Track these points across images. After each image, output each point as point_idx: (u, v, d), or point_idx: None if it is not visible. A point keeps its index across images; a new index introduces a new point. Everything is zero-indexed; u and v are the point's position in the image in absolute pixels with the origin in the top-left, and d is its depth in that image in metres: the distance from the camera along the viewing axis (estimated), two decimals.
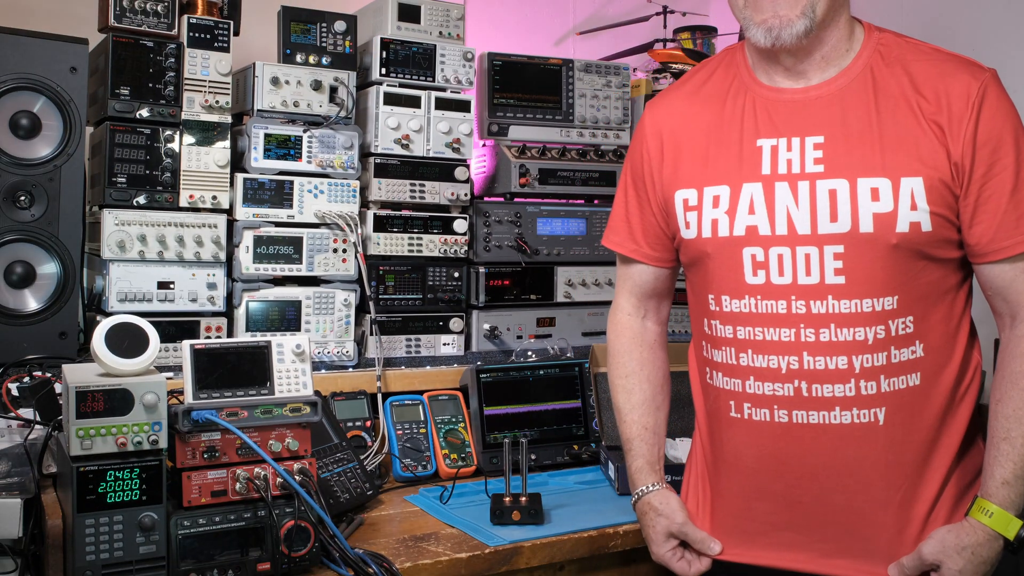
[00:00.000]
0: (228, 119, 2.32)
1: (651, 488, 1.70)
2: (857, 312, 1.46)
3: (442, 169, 2.55)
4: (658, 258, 1.73)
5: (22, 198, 2.11)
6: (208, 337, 2.28)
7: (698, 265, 1.61)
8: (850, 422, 1.48)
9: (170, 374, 1.96)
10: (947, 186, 1.43)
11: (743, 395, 1.55)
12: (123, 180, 2.21)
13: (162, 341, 1.71)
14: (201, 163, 2.28)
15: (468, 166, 2.59)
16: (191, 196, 2.27)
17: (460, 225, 2.56)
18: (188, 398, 1.59)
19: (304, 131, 2.38)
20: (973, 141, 1.42)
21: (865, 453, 1.49)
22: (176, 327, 2.24)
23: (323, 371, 2.35)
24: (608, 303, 2.76)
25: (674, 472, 2.10)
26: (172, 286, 2.25)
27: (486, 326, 2.61)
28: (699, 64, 1.74)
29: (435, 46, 2.53)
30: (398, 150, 2.50)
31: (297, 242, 2.36)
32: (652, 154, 1.66)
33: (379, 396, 2.31)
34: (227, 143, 2.32)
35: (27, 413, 1.87)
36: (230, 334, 2.32)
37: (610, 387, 1.81)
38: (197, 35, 2.27)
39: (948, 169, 1.43)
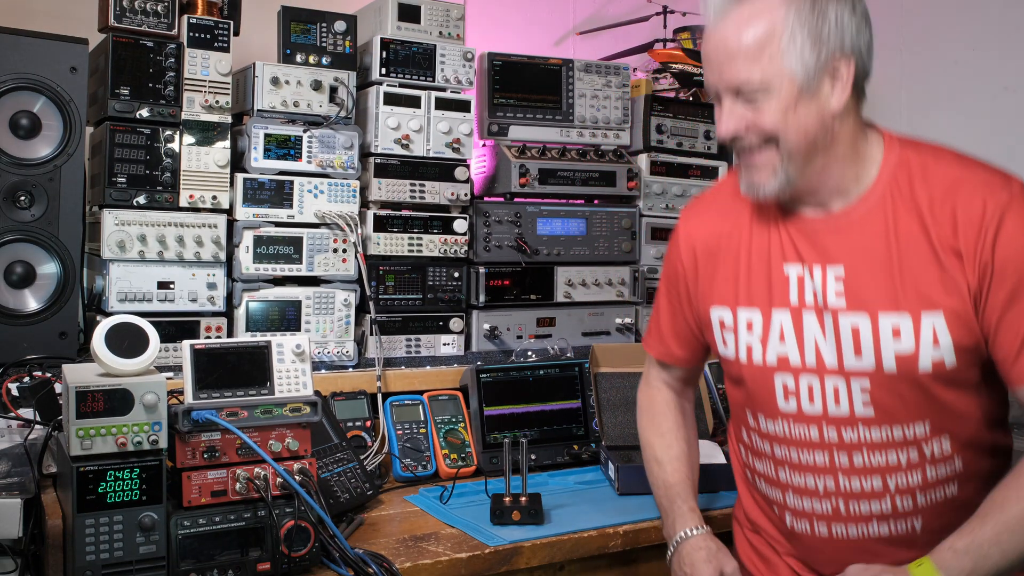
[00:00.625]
0: (228, 119, 2.32)
1: (699, 530, 1.68)
2: (888, 440, 1.47)
3: (442, 169, 2.55)
4: (686, 359, 1.78)
5: (22, 198, 2.11)
6: (208, 337, 2.28)
7: (735, 382, 1.65)
8: (888, 533, 1.51)
9: (170, 374, 1.96)
10: (969, 317, 1.40)
11: (783, 506, 1.60)
12: (123, 180, 2.21)
13: (162, 341, 1.71)
14: (201, 163, 2.28)
15: (468, 166, 2.59)
16: (191, 196, 2.27)
17: (460, 225, 2.56)
18: (188, 398, 1.59)
19: (304, 131, 2.38)
20: (991, 269, 1.37)
21: (902, 553, 1.49)
22: (176, 327, 2.24)
23: (323, 371, 2.35)
24: (608, 303, 2.79)
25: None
26: (172, 286, 2.25)
27: (486, 326, 2.61)
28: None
29: (435, 46, 2.53)
30: (398, 150, 2.50)
31: (297, 242, 2.36)
32: (687, 266, 1.68)
33: (379, 396, 2.31)
34: (227, 143, 2.31)
35: (27, 413, 1.87)
36: (230, 334, 2.32)
37: (643, 441, 1.84)
38: (197, 35, 2.27)
39: (969, 299, 1.39)
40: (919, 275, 1.41)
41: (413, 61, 2.51)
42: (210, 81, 2.29)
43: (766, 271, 1.54)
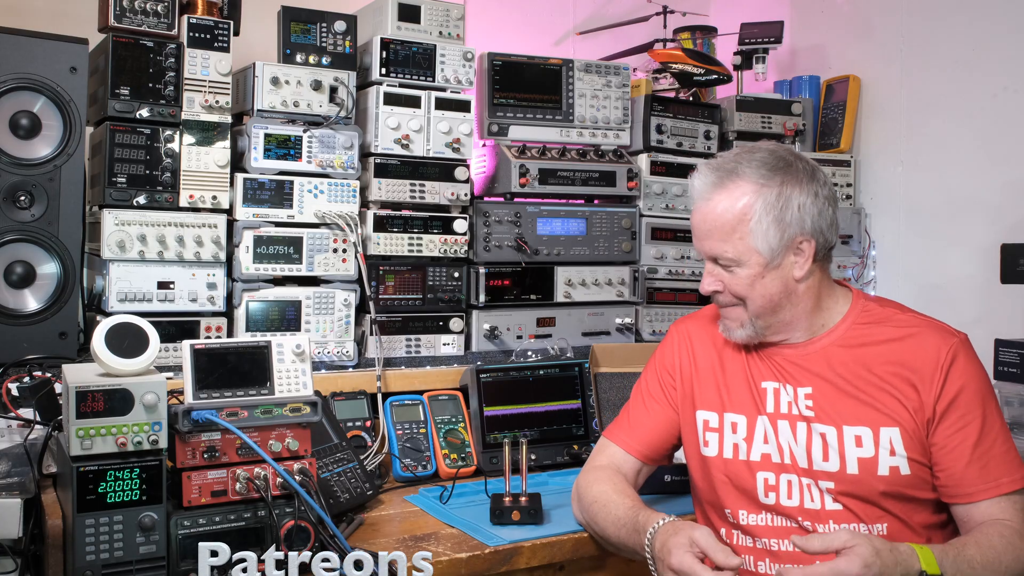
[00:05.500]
0: (228, 119, 2.32)
1: (666, 519, 1.65)
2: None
3: (442, 169, 2.55)
4: (650, 455, 1.86)
5: (22, 198, 2.11)
6: (208, 337, 2.28)
7: (713, 481, 1.76)
8: None
9: (170, 374, 1.96)
10: (921, 436, 1.62)
11: None
12: (123, 180, 2.21)
13: (162, 341, 1.71)
14: (201, 163, 2.28)
15: (468, 166, 2.59)
16: (191, 196, 2.27)
17: (460, 225, 2.56)
18: (188, 398, 1.59)
19: (304, 131, 2.38)
20: (938, 400, 1.60)
21: None
22: (176, 327, 2.24)
23: (323, 371, 2.35)
24: (608, 303, 2.79)
25: (675, 472, 2.10)
26: (172, 286, 2.25)
27: (486, 326, 2.61)
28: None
29: (435, 46, 2.53)
30: (398, 150, 2.50)
31: (297, 242, 2.36)
32: (683, 364, 1.86)
33: (379, 396, 2.31)
34: (227, 143, 2.32)
35: (27, 413, 1.88)
36: (230, 334, 2.32)
37: (591, 497, 1.79)
38: (197, 35, 2.27)
39: (922, 422, 1.62)
40: (878, 397, 1.64)
41: (413, 61, 2.51)
42: (210, 81, 2.29)
43: (747, 385, 1.76)
